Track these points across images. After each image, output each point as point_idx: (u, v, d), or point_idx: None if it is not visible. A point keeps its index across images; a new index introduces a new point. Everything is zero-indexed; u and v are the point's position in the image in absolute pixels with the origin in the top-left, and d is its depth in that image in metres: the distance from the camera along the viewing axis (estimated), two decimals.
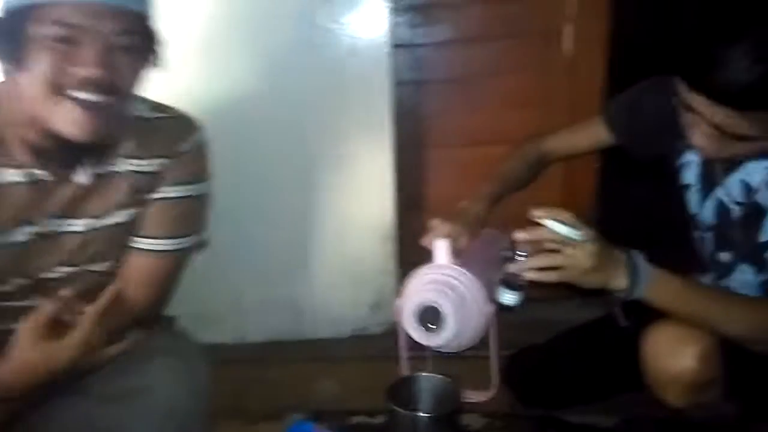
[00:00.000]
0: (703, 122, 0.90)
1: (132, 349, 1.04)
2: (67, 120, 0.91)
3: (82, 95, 0.90)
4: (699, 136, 0.92)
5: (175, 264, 1.11)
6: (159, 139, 1.05)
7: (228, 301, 1.65)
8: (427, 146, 1.72)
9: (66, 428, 0.98)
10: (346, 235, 1.62)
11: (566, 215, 0.91)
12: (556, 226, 0.89)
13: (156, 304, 1.14)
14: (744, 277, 1.04)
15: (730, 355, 0.94)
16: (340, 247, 1.63)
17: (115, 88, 0.92)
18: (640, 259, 0.92)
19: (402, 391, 1.07)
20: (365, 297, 1.66)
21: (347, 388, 1.46)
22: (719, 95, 0.85)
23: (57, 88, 0.90)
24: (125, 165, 1.03)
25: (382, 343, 1.65)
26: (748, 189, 1.01)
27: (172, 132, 1.06)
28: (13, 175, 0.97)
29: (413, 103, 1.68)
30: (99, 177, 1.02)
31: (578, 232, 0.89)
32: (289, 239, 1.62)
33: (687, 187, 1.12)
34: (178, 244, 1.09)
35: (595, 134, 1.25)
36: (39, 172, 0.98)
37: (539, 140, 1.30)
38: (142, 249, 1.07)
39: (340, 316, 1.66)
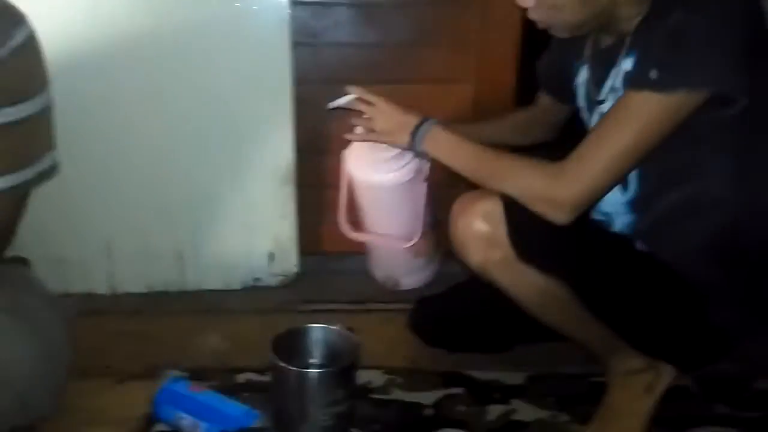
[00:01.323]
0: None
1: None
2: None
3: None
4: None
5: (11, 203, 0.90)
6: None
7: (97, 247, 1.43)
8: (328, 82, 1.55)
9: None
10: (239, 178, 1.44)
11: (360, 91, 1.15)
12: (348, 98, 1.16)
13: None
14: (613, 197, 1.02)
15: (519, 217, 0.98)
16: (232, 191, 1.45)
17: None
18: (430, 122, 1.08)
19: (290, 344, 0.94)
20: (260, 246, 1.50)
21: (236, 344, 1.31)
22: None
23: None
24: None
25: (278, 296, 1.51)
26: (616, 96, 1.00)
27: None
28: None
29: (315, 31, 1.50)
30: None
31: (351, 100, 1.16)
32: (172, 181, 1.42)
33: (579, 110, 1.15)
34: (12, 180, 0.87)
35: (543, 102, 1.30)
36: None
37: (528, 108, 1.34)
38: None
39: (231, 266, 1.49)
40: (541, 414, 1.12)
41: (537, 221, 0.96)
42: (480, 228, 0.99)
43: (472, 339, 1.26)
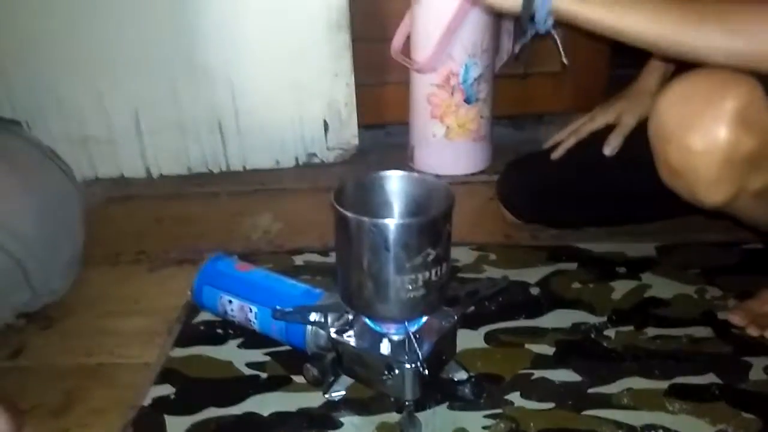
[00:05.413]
0: None
1: None
2: None
3: None
4: None
5: None
6: None
7: (124, 120, 1.22)
8: None
9: None
10: (282, 25, 1.17)
11: None
12: None
13: None
14: None
15: None
16: (275, 42, 1.18)
17: None
18: None
19: (361, 195, 0.70)
20: (311, 112, 1.25)
21: (290, 225, 1.10)
22: None
23: None
24: None
25: (336, 172, 1.27)
26: None
27: None
28: None
29: None
30: None
31: None
32: (204, 30, 1.17)
33: None
34: None
35: None
36: None
37: None
38: None
39: (279, 139, 1.26)
40: (684, 289, 0.87)
41: None
42: (734, 141, 0.61)
43: (582, 210, 0.99)
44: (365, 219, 0.63)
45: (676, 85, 0.66)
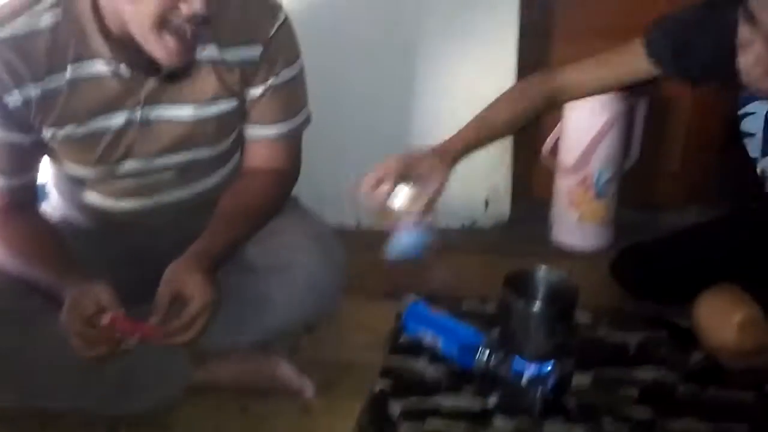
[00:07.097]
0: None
1: (272, 225, 1.17)
2: (164, 50, 0.95)
3: (183, 29, 0.94)
4: (750, 63, 0.85)
5: (295, 142, 1.22)
6: (245, 26, 1.08)
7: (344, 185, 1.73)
8: (553, 31, 1.65)
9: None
10: (461, 122, 1.63)
11: None
12: None
13: (292, 181, 1.25)
14: None
15: None
16: None
17: (211, 18, 0.96)
18: None
19: (518, 282, 1.13)
20: (478, 191, 1.70)
21: (459, 277, 1.54)
22: None
23: (162, 23, 0.93)
24: (213, 54, 1.06)
25: (492, 237, 1.71)
26: None
27: (257, 17, 1.09)
28: (99, 65, 1.01)
29: None
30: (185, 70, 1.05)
31: None
32: (401, 124, 1.66)
33: (749, 135, 1.08)
34: (293, 123, 1.19)
35: (631, 66, 1.09)
36: (122, 67, 1.02)
37: (549, 74, 1.18)
38: (266, 135, 1.17)
39: (452, 209, 1.71)
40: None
41: None
42: (741, 340, 1.02)
43: (679, 291, 1.25)
44: (523, 301, 1.06)
45: (708, 298, 1.05)
